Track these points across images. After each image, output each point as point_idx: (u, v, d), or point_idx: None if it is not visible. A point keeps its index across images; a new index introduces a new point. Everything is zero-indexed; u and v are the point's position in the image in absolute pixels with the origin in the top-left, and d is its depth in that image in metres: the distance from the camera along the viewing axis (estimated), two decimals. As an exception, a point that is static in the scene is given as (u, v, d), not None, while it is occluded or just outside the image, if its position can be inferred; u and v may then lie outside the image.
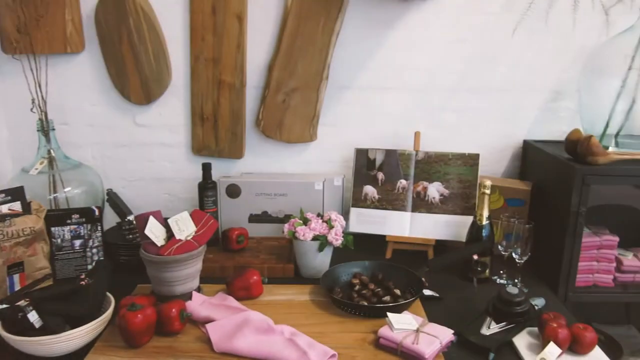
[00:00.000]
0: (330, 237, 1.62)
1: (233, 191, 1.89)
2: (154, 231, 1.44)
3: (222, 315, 1.38)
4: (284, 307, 1.50)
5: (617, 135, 1.73)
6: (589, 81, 1.77)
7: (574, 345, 1.30)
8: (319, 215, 1.71)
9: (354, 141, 1.96)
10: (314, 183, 1.88)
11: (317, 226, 1.64)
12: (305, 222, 1.66)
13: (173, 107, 1.95)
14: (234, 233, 1.78)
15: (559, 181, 1.68)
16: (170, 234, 1.47)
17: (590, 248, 1.70)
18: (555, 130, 1.96)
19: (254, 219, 1.91)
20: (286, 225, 1.67)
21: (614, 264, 1.74)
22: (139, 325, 1.27)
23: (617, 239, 1.72)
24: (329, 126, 1.97)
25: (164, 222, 1.48)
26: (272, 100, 1.90)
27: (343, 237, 1.64)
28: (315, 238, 1.62)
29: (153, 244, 1.43)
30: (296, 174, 2.00)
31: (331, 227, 1.64)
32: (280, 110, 1.91)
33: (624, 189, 1.94)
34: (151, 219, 1.44)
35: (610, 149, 1.70)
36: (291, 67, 1.86)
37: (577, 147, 1.60)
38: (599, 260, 1.72)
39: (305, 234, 1.61)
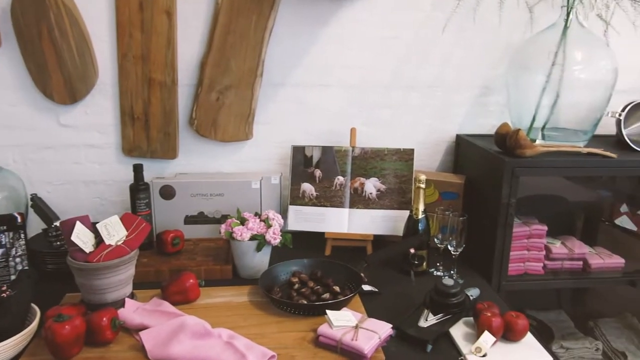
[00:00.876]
0: (268, 237, 1.60)
1: (167, 192, 1.83)
2: (81, 237, 1.37)
3: (156, 322, 1.33)
4: (221, 309, 1.47)
5: (543, 128, 1.80)
6: (515, 77, 1.83)
7: (507, 332, 1.33)
8: (256, 214, 1.68)
9: (290, 139, 1.95)
10: (250, 182, 1.85)
11: (255, 226, 1.61)
12: (243, 222, 1.63)
13: (101, 107, 1.87)
14: (169, 236, 1.73)
15: (489, 174, 1.73)
16: (99, 240, 1.40)
17: (520, 238, 1.76)
18: (486, 124, 2.02)
19: (190, 220, 1.86)
20: (223, 226, 1.64)
21: (544, 252, 1.81)
22: (67, 337, 1.20)
23: (545, 228, 1.80)
24: (264, 124, 1.95)
25: (92, 227, 1.41)
26: (205, 99, 1.86)
27: (281, 235, 1.62)
28: (253, 238, 1.59)
29: (81, 250, 1.36)
30: (232, 174, 1.96)
31: (269, 226, 1.62)
32: (215, 108, 1.87)
33: (552, 180, 2.02)
34: (78, 224, 1.37)
35: (538, 142, 1.77)
36: (224, 64, 1.82)
37: (506, 140, 1.65)
38: (529, 249, 1.79)
39: (242, 234, 1.58)
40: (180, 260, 1.70)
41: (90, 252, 1.36)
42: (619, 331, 2.11)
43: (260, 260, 1.63)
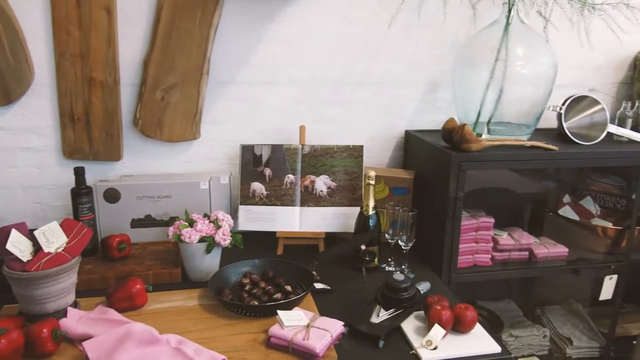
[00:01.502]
0: (217, 238, 1.56)
1: (111, 196, 1.77)
2: (18, 245, 1.30)
3: (101, 331, 1.28)
4: (170, 314, 1.43)
5: (488, 122, 1.83)
6: (461, 73, 1.86)
7: (457, 324, 1.35)
8: (205, 215, 1.65)
9: (239, 137, 1.92)
10: (199, 183, 1.81)
11: (204, 227, 1.58)
12: (191, 223, 1.60)
13: (38, 108, 1.78)
14: (115, 240, 1.67)
15: (437, 169, 1.75)
16: (37, 248, 1.33)
17: (469, 230, 1.79)
18: (434, 119, 2.05)
19: (136, 223, 1.81)
20: (171, 229, 1.59)
21: (491, 244, 1.85)
22: (3, 351, 1.14)
23: (492, 220, 1.83)
24: (212, 123, 1.91)
25: (30, 235, 1.35)
26: (150, 98, 1.80)
27: (231, 236, 1.59)
28: (202, 240, 1.56)
29: (17, 259, 1.30)
30: (180, 174, 1.91)
31: (218, 227, 1.59)
32: (160, 108, 1.82)
33: (499, 172, 2.06)
34: (13, 232, 1.30)
35: (484, 136, 1.81)
36: (168, 63, 1.77)
37: (452, 135, 1.68)
38: (478, 241, 1.82)
39: (191, 236, 1.55)
40: (127, 265, 1.65)
41: (27, 260, 1.30)
42: (565, 317, 2.19)
43: (210, 263, 1.59)
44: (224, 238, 1.57)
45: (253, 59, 1.88)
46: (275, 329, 1.28)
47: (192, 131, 1.87)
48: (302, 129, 1.86)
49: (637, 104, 2.02)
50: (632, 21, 1.88)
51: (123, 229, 1.78)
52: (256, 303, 1.42)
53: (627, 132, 1.92)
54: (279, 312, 1.33)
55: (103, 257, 1.69)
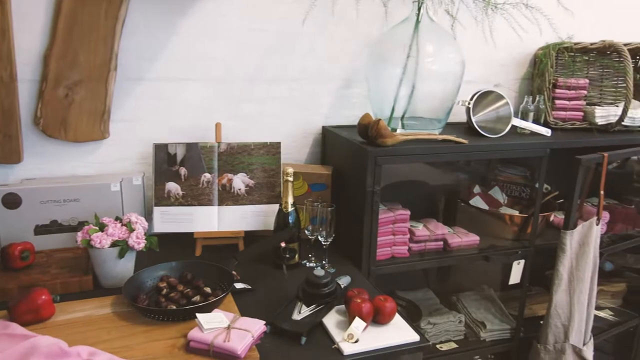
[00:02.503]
0: (131, 242, 1.49)
1: (11, 201, 1.64)
2: None
3: (3, 347, 1.19)
4: (81, 325, 1.34)
5: (402, 117, 1.88)
6: (374, 69, 1.89)
7: (377, 316, 1.38)
8: (117, 218, 1.57)
9: (152, 136, 1.84)
10: (109, 184, 1.72)
11: (116, 231, 1.50)
12: (102, 227, 1.51)
13: None
14: (17, 249, 1.55)
15: (354, 164, 1.77)
16: None
17: (386, 223, 1.83)
18: (350, 115, 2.07)
19: (41, 230, 1.69)
20: (79, 234, 1.50)
21: (408, 236, 1.90)
22: None
23: (408, 212, 1.88)
24: (122, 121, 1.82)
25: None
26: (52, 95, 1.69)
27: (146, 239, 1.53)
28: (114, 244, 1.48)
29: None
30: (89, 176, 1.81)
31: (131, 230, 1.52)
32: (63, 106, 1.71)
33: (416, 166, 2.12)
34: None
35: (398, 131, 1.85)
36: (71, 57, 1.67)
37: (368, 130, 1.70)
38: (395, 233, 1.86)
39: (101, 240, 1.47)
40: (31, 275, 1.54)
41: None
42: (478, 302, 2.30)
43: (123, 268, 1.52)
44: (137, 241, 1.50)
45: (165, 55, 1.82)
46: (194, 333, 1.25)
47: (100, 130, 1.78)
48: (217, 126, 1.82)
49: (537, 99, 2.15)
50: (531, 20, 1.99)
51: (26, 237, 1.66)
52: (174, 307, 1.37)
53: (529, 125, 2.04)
54: (197, 315, 1.29)
55: (3, 267, 1.56)
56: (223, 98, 1.91)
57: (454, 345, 2.10)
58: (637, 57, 2.29)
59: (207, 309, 1.35)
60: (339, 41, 1.99)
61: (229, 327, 1.26)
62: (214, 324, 1.27)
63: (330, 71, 2.02)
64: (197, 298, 1.41)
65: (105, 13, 1.66)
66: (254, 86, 1.94)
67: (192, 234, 1.76)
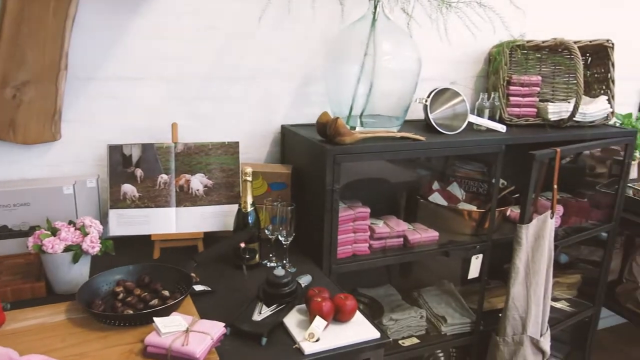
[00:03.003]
0: (85, 246, 1.45)
1: (-43, 207, 1.58)
2: None
3: (-53, 359, 1.14)
4: (34, 332, 1.30)
5: (361, 115, 1.89)
6: (332, 67, 1.90)
7: (337, 314, 1.38)
8: (70, 222, 1.52)
9: (106, 137, 1.79)
10: (62, 187, 1.67)
11: (69, 235, 1.45)
12: (54, 232, 1.47)
13: None
14: (-37, 256, 1.49)
15: (314, 162, 1.77)
16: None
17: (346, 221, 1.83)
18: (309, 113, 2.07)
19: (-11, 236, 1.63)
20: (30, 239, 1.45)
21: (368, 233, 1.91)
22: None
23: (368, 210, 1.89)
24: (75, 122, 1.77)
25: None
26: (-1, 96, 1.63)
27: (101, 243, 1.49)
28: (67, 249, 1.44)
29: None
30: (40, 179, 1.75)
31: (85, 234, 1.47)
32: (11, 107, 1.65)
33: (377, 163, 2.13)
34: None
35: (357, 129, 1.85)
36: (19, 57, 1.61)
37: (326, 129, 1.70)
38: (356, 231, 1.87)
39: (54, 245, 1.42)
40: (-21, 283, 1.48)
41: None
42: (439, 297, 2.33)
43: (78, 273, 1.48)
44: (92, 245, 1.46)
45: (118, 53, 1.77)
46: (151, 337, 1.22)
47: (51, 132, 1.72)
48: (174, 126, 1.79)
49: (492, 96, 2.19)
50: (484, 19, 2.03)
51: (-27, 243, 1.60)
52: (131, 312, 1.34)
53: (485, 122, 2.07)
54: (155, 319, 1.26)
55: (-51, 276, 1.51)
56: (179, 98, 1.88)
57: (415, 340, 2.12)
58: (587, 55, 2.37)
59: (165, 312, 1.32)
60: (297, 39, 1.99)
61: (187, 331, 1.24)
62: (172, 327, 1.24)
63: (288, 70, 2.01)
64: (154, 302, 1.38)
65: (54, 10, 1.60)
66: (211, 85, 1.92)
67: (149, 236, 1.72)
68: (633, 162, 2.61)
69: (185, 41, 1.84)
